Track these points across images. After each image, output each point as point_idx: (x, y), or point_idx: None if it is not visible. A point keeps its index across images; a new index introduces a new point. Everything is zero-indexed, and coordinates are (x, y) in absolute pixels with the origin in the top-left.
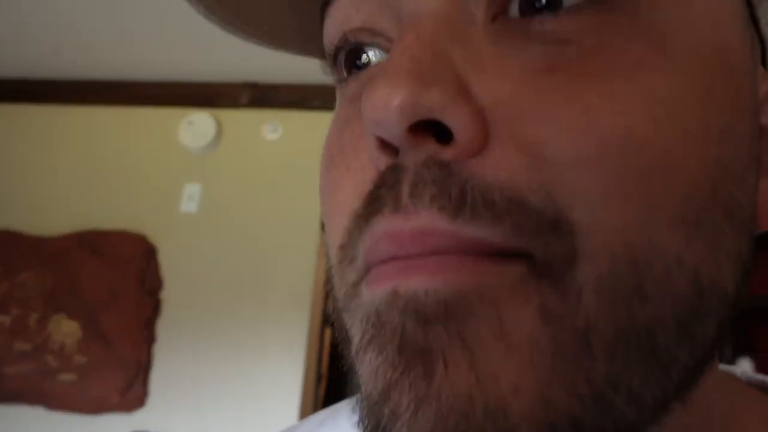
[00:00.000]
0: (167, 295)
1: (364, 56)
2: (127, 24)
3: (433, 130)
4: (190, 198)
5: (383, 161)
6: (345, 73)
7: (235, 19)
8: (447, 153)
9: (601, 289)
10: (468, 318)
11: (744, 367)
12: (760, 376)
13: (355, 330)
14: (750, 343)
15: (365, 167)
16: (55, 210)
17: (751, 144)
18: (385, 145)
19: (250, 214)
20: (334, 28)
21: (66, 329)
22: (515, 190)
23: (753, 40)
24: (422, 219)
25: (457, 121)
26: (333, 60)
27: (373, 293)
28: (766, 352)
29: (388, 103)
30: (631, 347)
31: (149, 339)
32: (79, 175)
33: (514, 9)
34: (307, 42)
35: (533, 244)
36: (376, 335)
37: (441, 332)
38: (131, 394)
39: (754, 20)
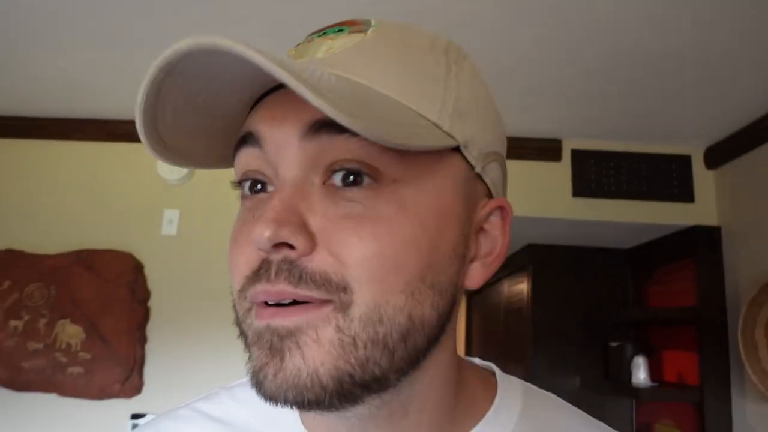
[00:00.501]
0: (154, 303)
1: (258, 185)
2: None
3: (287, 245)
4: (170, 222)
5: (262, 255)
6: (248, 192)
7: (176, 160)
8: (292, 255)
9: (362, 318)
10: (301, 334)
11: (639, 363)
12: (486, 363)
13: (249, 334)
14: (647, 344)
15: (251, 253)
16: (54, 232)
17: (454, 251)
18: (261, 250)
19: (223, 235)
20: (240, 167)
21: (71, 332)
22: (325, 273)
23: (475, 190)
24: (280, 286)
25: (297, 242)
26: (239, 184)
27: (258, 322)
28: (659, 350)
29: (262, 235)
30: (376, 344)
31: (141, 339)
32: (74, 201)
33: (337, 180)
34: (223, 163)
35: (333, 297)
36: (257, 341)
37: (288, 342)
38: (129, 383)
39: (482, 176)
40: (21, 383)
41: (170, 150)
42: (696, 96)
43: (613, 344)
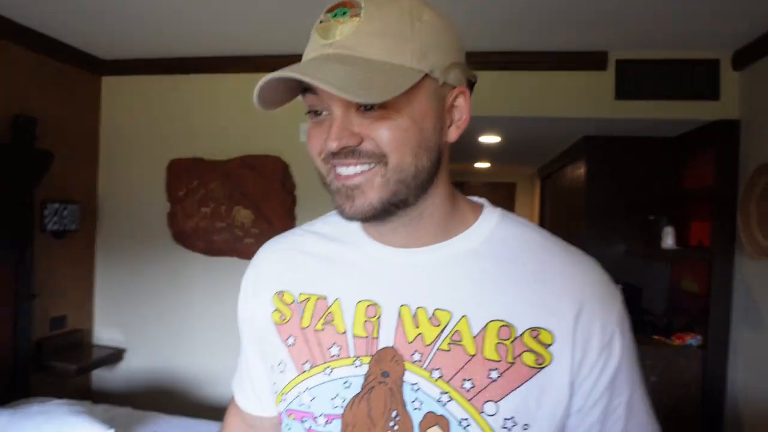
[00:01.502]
0: (299, 192)
1: (317, 112)
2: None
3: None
4: (304, 132)
5: (333, 148)
6: (313, 115)
7: (269, 108)
8: (351, 144)
9: (392, 170)
10: (362, 186)
11: (668, 232)
12: (480, 199)
13: (332, 188)
14: (678, 216)
15: (321, 145)
16: (226, 144)
17: (434, 128)
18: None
19: None
20: (308, 102)
21: (243, 214)
22: (371, 150)
23: (443, 90)
24: (349, 160)
25: (350, 141)
26: (308, 112)
27: (337, 182)
28: (686, 221)
29: (332, 146)
30: (400, 183)
31: (292, 218)
32: (237, 120)
33: (362, 108)
34: (286, 103)
35: (378, 161)
36: (338, 192)
37: (356, 192)
38: None
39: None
40: (213, 251)
41: (265, 103)
42: (725, 3)
43: (651, 218)
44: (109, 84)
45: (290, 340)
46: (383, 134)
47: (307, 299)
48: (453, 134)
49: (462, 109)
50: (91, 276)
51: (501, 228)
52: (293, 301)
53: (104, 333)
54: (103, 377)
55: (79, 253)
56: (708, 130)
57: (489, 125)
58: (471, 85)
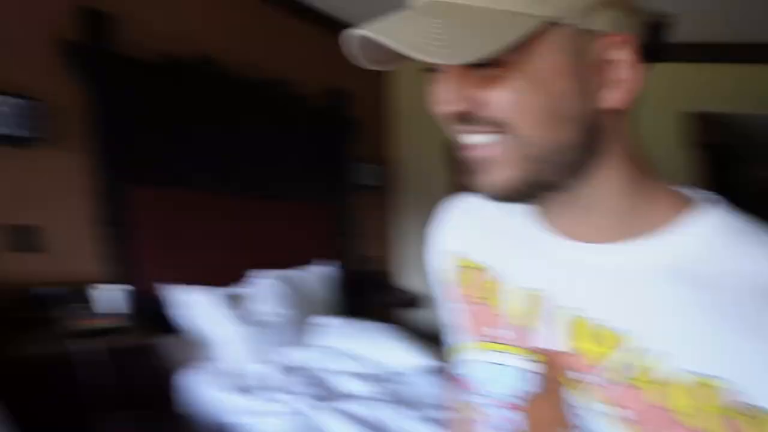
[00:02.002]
0: None
1: (435, 69)
2: None
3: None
4: None
5: (457, 108)
6: (431, 71)
7: (378, 65)
8: (466, 112)
9: (523, 143)
10: (490, 159)
11: None
12: (689, 190)
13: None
14: None
15: (443, 102)
16: None
17: (574, 91)
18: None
19: None
20: (424, 65)
21: None
22: (490, 118)
23: (584, 40)
24: (471, 129)
25: (463, 107)
26: (426, 69)
27: (462, 150)
28: None
29: (440, 108)
30: (539, 160)
31: None
32: None
33: (477, 65)
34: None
35: (504, 133)
36: (469, 163)
37: (486, 163)
38: None
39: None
40: None
41: (380, 63)
42: None
43: None
44: None
45: (455, 305)
46: (498, 99)
47: (468, 267)
48: (615, 99)
49: (624, 65)
50: (393, 226)
51: (719, 240)
52: (459, 266)
53: (404, 278)
54: (402, 318)
55: (382, 206)
56: None
57: None
58: (652, 31)
